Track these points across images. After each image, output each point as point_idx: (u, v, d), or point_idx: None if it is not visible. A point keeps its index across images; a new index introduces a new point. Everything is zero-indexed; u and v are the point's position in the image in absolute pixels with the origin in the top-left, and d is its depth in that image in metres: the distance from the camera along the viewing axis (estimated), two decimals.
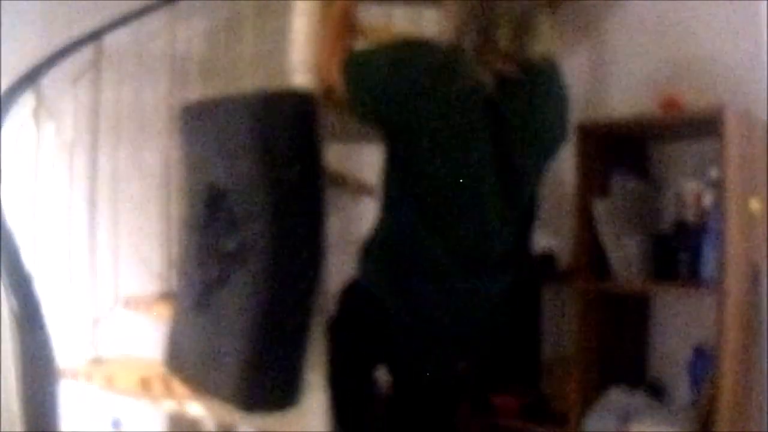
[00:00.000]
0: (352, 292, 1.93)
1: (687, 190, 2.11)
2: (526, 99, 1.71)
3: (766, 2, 2.12)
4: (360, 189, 2.38)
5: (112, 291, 2.49)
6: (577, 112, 2.51)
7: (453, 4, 1.71)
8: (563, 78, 1.82)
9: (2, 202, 1.66)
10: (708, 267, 1.96)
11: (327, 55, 1.92)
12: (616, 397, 2.13)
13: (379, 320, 1.86)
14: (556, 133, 1.81)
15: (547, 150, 1.82)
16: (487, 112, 1.68)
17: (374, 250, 1.86)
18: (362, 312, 1.91)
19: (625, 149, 2.29)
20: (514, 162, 1.74)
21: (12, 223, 1.63)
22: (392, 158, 1.81)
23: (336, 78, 1.85)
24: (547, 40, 1.69)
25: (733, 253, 1.87)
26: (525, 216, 1.87)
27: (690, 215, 2.09)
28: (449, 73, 1.65)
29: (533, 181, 1.84)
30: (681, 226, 2.11)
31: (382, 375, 2.14)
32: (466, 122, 1.69)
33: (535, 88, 1.73)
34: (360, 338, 1.95)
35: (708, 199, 2.01)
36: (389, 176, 1.82)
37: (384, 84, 1.72)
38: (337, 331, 1.94)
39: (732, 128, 1.89)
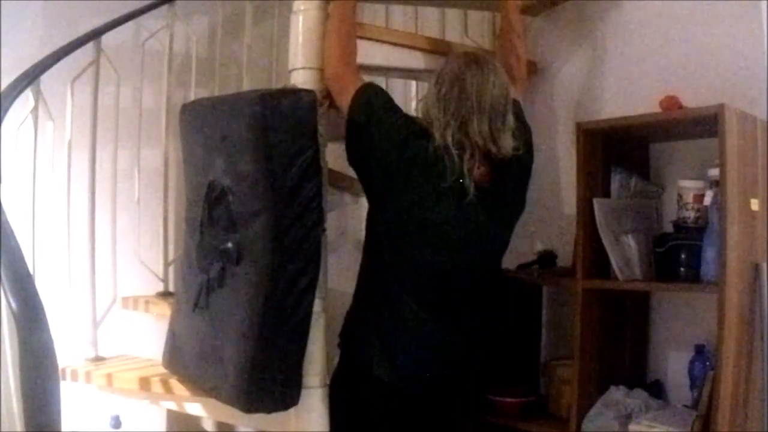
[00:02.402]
0: (340, 375, 2.02)
1: (687, 190, 2.11)
2: (500, 192, 1.95)
3: (766, 2, 2.12)
4: (360, 189, 2.37)
5: (111, 290, 2.49)
6: (576, 112, 2.53)
7: (430, 103, 1.90)
8: (530, 159, 2.07)
9: (2, 202, 1.65)
10: (708, 267, 1.96)
11: (329, 56, 1.93)
12: (616, 396, 2.13)
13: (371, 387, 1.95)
14: (520, 205, 2.06)
15: (513, 222, 2.05)
16: (466, 206, 1.88)
17: (355, 322, 2.02)
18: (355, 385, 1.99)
19: (625, 149, 2.29)
20: (485, 229, 1.95)
21: (12, 222, 1.62)
22: (372, 219, 1.99)
23: (337, 78, 1.88)
24: (515, 131, 1.90)
25: (733, 252, 1.87)
26: (494, 264, 2.10)
27: (690, 215, 2.09)
28: (440, 171, 1.85)
29: (502, 240, 2.05)
30: (681, 226, 2.11)
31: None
32: (448, 214, 1.89)
33: (507, 183, 1.96)
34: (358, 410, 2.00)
35: (708, 199, 2.01)
36: (370, 237, 2.01)
37: (383, 158, 1.89)
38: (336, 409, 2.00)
39: (732, 128, 1.89)
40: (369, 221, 2.01)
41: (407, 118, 1.98)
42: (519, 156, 1.92)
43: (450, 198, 1.87)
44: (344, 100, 1.92)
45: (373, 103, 1.91)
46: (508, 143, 1.87)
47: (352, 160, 1.96)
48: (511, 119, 1.89)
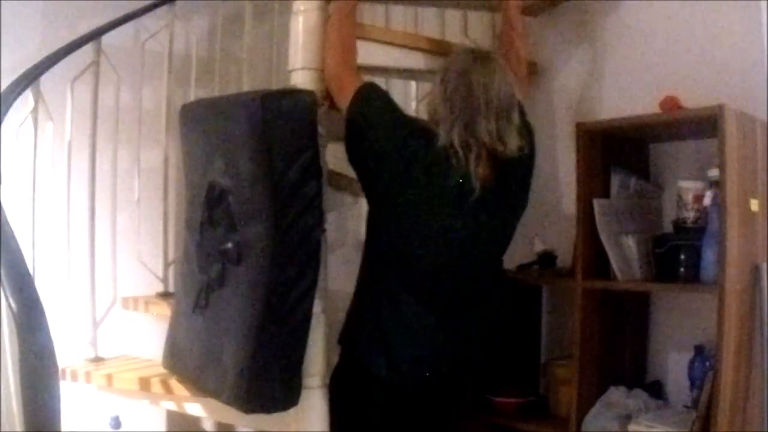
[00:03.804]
0: (340, 373, 2.00)
1: (687, 190, 2.11)
2: (503, 192, 1.93)
3: (766, 2, 2.12)
4: (360, 189, 2.37)
5: (111, 291, 2.49)
6: (576, 113, 2.53)
7: (436, 102, 1.88)
8: (533, 159, 2.04)
9: (2, 202, 1.66)
10: (708, 267, 1.96)
11: (329, 56, 1.93)
12: (616, 397, 2.13)
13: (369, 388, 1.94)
14: (523, 204, 2.04)
15: (515, 220, 2.03)
16: (469, 205, 1.87)
17: (355, 319, 2.00)
18: (354, 385, 1.97)
19: (625, 149, 2.29)
20: (487, 230, 1.93)
21: (12, 223, 1.63)
22: (373, 218, 1.98)
23: (337, 79, 1.88)
24: (520, 130, 1.89)
25: (733, 253, 1.87)
26: (495, 264, 2.09)
27: (690, 215, 2.09)
28: (444, 171, 1.84)
29: (504, 240, 2.04)
30: (681, 226, 2.11)
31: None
32: (451, 214, 1.87)
33: (510, 183, 1.94)
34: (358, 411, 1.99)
35: (708, 199, 2.01)
36: (370, 236, 2.00)
37: (382, 159, 1.87)
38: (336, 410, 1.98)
39: (732, 128, 1.89)
40: (369, 221, 2.00)
41: (407, 117, 1.98)
42: (522, 156, 1.91)
43: (452, 198, 1.86)
44: (343, 100, 1.92)
45: (371, 104, 1.91)
46: (514, 142, 1.86)
47: (352, 159, 1.95)
48: (516, 117, 1.88)
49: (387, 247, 1.95)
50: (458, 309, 1.97)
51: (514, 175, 1.96)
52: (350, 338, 2.01)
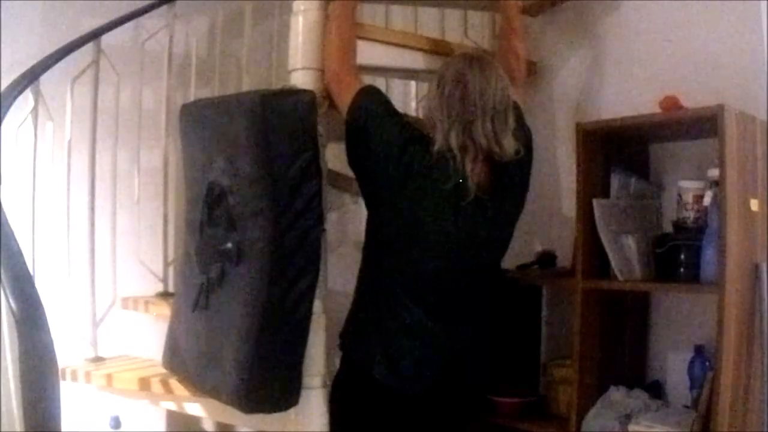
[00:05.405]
0: (341, 378, 2.00)
1: (687, 190, 2.11)
2: (499, 195, 1.94)
3: (766, 2, 2.12)
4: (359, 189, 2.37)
5: (111, 291, 2.49)
6: (576, 113, 2.53)
7: (433, 106, 1.89)
8: (530, 161, 2.05)
9: (2, 202, 1.66)
10: (708, 267, 1.96)
11: (328, 57, 1.93)
12: (616, 396, 2.13)
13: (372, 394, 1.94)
14: (519, 206, 2.05)
15: (512, 224, 2.04)
16: (465, 208, 1.88)
17: (355, 324, 2.01)
18: (357, 391, 1.97)
19: (625, 149, 2.29)
20: (484, 232, 1.94)
21: (12, 223, 1.63)
22: (372, 222, 1.99)
23: (336, 80, 1.88)
24: (515, 132, 1.91)
25: (733, 252, 1.87)
26: (493, 266, 2.10)
27: (690, 215, 2.09)
28: (441, 174, 1.85)
29: (501, 242, 2.05)
30: (681, 226, 2.11)
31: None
32: (448, 218, 1.88)
33: (506, 185, 1.95)
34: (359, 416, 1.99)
35: (708, 199, 2.01)
36: (369, 240, 2.00)
37: (381, 164, 1.89)
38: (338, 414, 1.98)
39: (731, 128, 1.89)
40: (368, 225, 2.00)
41: (405, 122, 1.98)
42: (519, 159, 1.92)
43: (449, 201, 1.87)
44: (343, 102, 1.92)
45: (371, 108, 1.91)
46: (510, 145, 1.87)
47: (352, 162, 1.96)
48: (512, 121, 1.89)
49: (385, 251, 1.96)
50: (457, 313, 1.98)
51: (511, 177, 1.96)
52: (351, 344, 2.01)
